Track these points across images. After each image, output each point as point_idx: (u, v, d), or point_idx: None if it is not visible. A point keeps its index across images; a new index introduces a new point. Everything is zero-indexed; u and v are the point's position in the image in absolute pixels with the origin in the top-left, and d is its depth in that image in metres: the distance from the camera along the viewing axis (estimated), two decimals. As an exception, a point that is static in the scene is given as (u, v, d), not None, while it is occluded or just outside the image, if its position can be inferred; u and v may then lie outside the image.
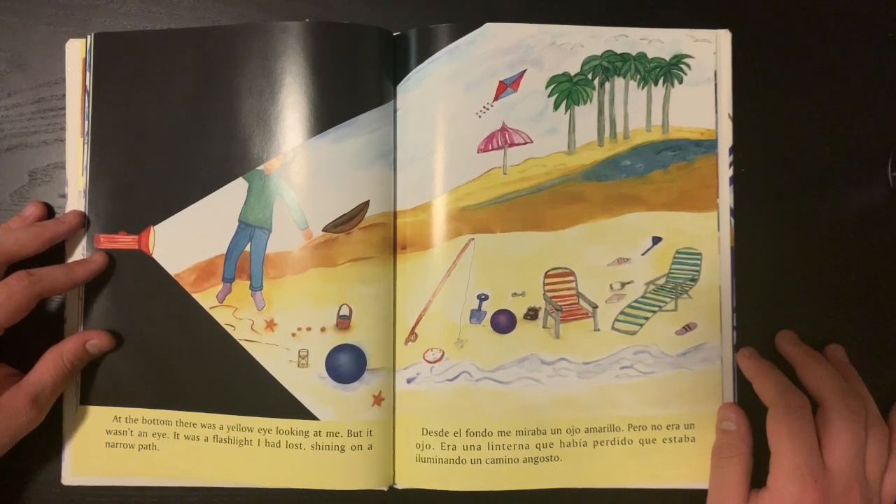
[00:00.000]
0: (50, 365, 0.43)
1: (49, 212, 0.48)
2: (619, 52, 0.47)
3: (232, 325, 0.46)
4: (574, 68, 0.46)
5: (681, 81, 0.47)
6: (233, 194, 0.46)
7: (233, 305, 0.46)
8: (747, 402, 0.45)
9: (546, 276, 0.46)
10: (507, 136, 0.46)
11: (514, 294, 0.46)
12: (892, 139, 0.47)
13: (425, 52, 0.46)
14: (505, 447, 0.45)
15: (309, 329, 0.45)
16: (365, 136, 0.45)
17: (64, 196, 0.47)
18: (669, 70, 0.47)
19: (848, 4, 0.48)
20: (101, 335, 0.45)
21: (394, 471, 0.46)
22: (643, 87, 0.47)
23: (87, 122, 0.47)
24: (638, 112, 0.47)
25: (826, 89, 0.48)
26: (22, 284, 0.42)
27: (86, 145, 0.47)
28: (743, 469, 0.43)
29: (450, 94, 0.46)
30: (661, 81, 0.47)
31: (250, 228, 0.46)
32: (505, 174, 0.46)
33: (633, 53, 0.47)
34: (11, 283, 0.42)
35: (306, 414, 0.45)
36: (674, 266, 0.46)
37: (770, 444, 0.41)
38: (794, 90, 0.48)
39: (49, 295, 0.44)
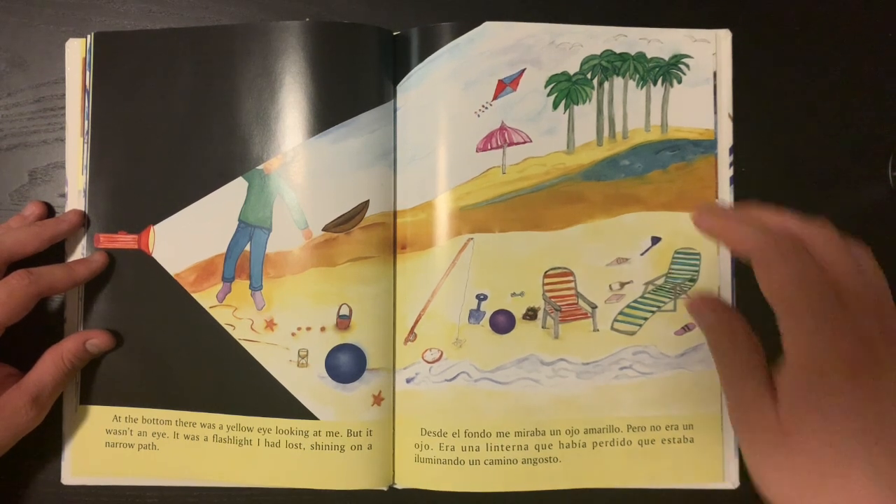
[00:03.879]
0: (50, 365, 0.44)
1: (49, 211, 0.48)
2: (618, 51, 0.47)
3: (232, 325, 0.46)
4: (573, 68, 0.46)
5: (679, 81, 0.47)
6: (233, 194, 0.46)
7: (232, 305, 0.46)
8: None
9: (545, 275, 0.46)
10: (506, 135, 0.46)
11: (514, 294, 0.46)
12: (892, 139, 0.47)
13: (425, 52, 0.46)
14: (504, 448, 0.45)
15: (309, 329, 0.45)
16: (365, 135, 0.45)
17: (64, 196, 0.47)
18: (668, 70, 0.47)
19: (848, 4, 0.48)
20: (101, 335, 0.45)
21: (393, 471, 0.46)
22: (642, 87, 0.47)
23: (86, 122, 0.47)
24: (637, 112, 0.47)
25: (826, 89, 0.48)
26: (22, 283, 0.42)
27: (85, 145, 0.47)
28: (748, 351, 0.32)
29: (449, 94, 0.46)
30: (659, 81, 0.47)
31: (250, 228, 0.46)
32: (504, 173, 0.46)
33: (632, 53, 0.47)
34: (12, 282, 0.42)
35: (306, 414, 0.45)
36: (673, 266, 0.46)
37: (771, 302, 0.31)
38: (794, 90, 0.48)
39: (49, 294, 0.44)
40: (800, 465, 0.29)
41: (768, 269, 0.31)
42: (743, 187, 0.46)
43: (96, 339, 0.45)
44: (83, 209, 0.47)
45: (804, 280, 0.30)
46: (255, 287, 0.46)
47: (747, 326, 0.32)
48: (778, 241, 0.32)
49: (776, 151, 0.47)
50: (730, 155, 0.46)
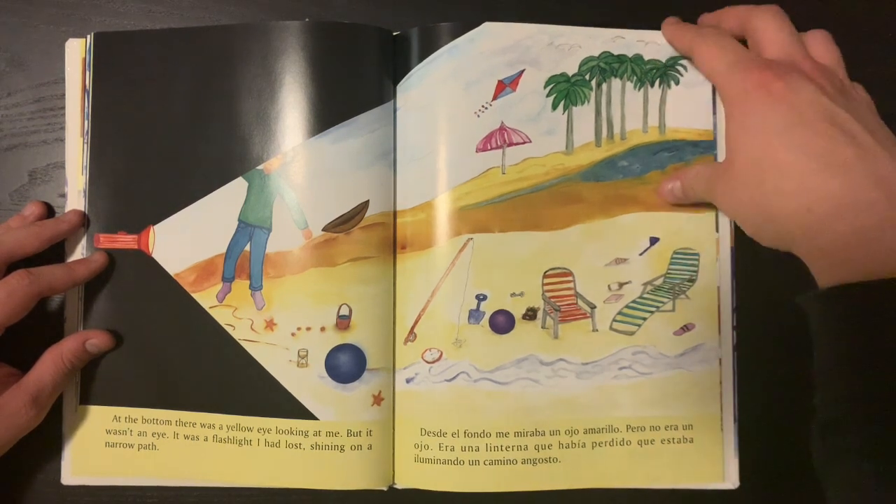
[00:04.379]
0: (49, 365, 0.43)
1: (49, 211, 0.48)
2: (615, 53, 0.47)
3: (231, 325, 0.46)
4: (572, 69, 0.47)
5: (677, 83, 0.47)
6: (232, 194, 0.46)
7: (232, 305, 0.46)
8: (749, 402, 0.46)
9: (545, 276, 0.46)
10: (505, 135, 0.46)
11: (513, 294, 0.46)
12: (889, 140, 0.47)
13: (425, 52, 0.46)
14: (503, 448, 0.45)
15: (309, 329, 0.45)
16: (365, 135, 0.45)
17: (64, 196, 0.47)
18: (665, 71, 0.47)
19: (848, 4, 0.48)
20: (100, 335, 0.45)
21: (393, 471, 0.46)
22: (639, 89, 0.47)
23: (86, 122, 0.47)
24: (634, 113, 0.47)
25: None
26: (23, 283, 0.42)
27: (85, 145, 0.47)
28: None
29: (449, 94, 0.46)
30: (657, 83, 0.47)
31: (250, 228, 0.46)
32: (504, 174, 0.46)
33: (630, 55, 0.47)
34: (12, 282, 0.42)
35: (306, 414, 0.45)
36: (671, 266, 0.47)
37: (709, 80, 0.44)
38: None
39: (49, 294, 0.44)
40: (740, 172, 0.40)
41: (698, 54, 0.43)
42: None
43: (96, 339, 0.45)
44: (83, 209, 0.47)
45: (722, 48, 0.41)
46: (255, 287, 0.46)
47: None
48: (703, 31, 0.43)
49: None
50: (728, 155, 0.46)
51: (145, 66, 0.47)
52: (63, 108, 0.47)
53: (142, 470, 0.46)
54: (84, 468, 0.46)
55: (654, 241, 0.46)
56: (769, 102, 0.38)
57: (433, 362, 0.46)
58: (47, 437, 0.46)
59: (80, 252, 0.46)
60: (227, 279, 0.46)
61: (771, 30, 0.41)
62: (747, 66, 0.40)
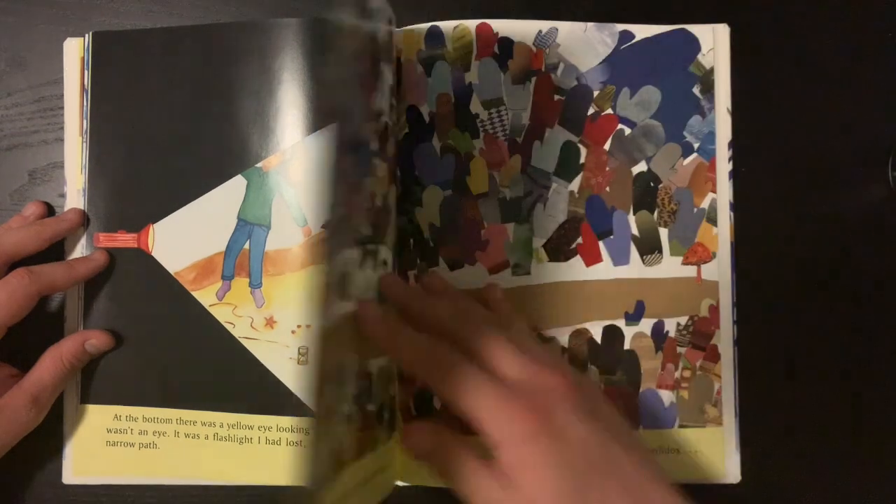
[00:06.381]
0: (49, 365, 0.43)
1: (49, 211, 0.48)
2: (617, 48, 0.47)
3: (232, 323, 0.46)
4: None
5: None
6: (231, 192, 0.46)
7: (232, 303, 0.46)
8: (749, 399, 0.45)
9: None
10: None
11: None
12: (892, 139, 0.47)
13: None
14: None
15: (309, 326, 0.45)
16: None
17: (63, 195, 0.47)
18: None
19: (848, 4, 0.48)
20: (99, 335, 0.45)
21: (396, 469, 0.46)
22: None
23: (85, 121, 0.47)
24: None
25: (826, 89, 0.48)
26: (23, 283, 0.42)
27: (84, 144, 0.47)
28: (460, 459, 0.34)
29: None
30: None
31: (249, 226, 0.46)
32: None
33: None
34: (12, 282, 0.42)
35: (307, 411, 0.45)
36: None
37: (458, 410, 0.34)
38: (793, 88, 0.47)
39: (50, 292, 0.44)
40: None
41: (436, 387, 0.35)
42: (742, 187, 0.46)
43: (95, 340, 0.45)
44: (83, 208, 0.47)
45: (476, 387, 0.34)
46: (255, 285, 0.46)
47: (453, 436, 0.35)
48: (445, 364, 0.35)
49: (776, 150, 0.47)
50: (729, 150, 0.46)
51: (143, 65, 0.47)
52: (63, 107, 0.47)
53: (142, 469, 0.46)
54: (85, 467, 0.46)
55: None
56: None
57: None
58: (48, 437, 0.46)
59: (79, 251, 0.47)
60: (227, 277, 0.46)
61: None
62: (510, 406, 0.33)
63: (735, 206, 0.46)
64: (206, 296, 0.46)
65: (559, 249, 0.45)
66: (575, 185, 0.45)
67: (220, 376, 0.46)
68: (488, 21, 0.45)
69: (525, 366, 0.34)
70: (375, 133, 0.39)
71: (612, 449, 0.33)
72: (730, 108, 0.46)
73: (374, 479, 0.40)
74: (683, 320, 0.45)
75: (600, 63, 0.46)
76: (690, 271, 0.45)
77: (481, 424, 0.33)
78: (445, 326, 0.37)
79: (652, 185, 0.46)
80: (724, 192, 0.46)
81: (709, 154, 0.46)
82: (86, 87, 0.47)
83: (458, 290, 0.43)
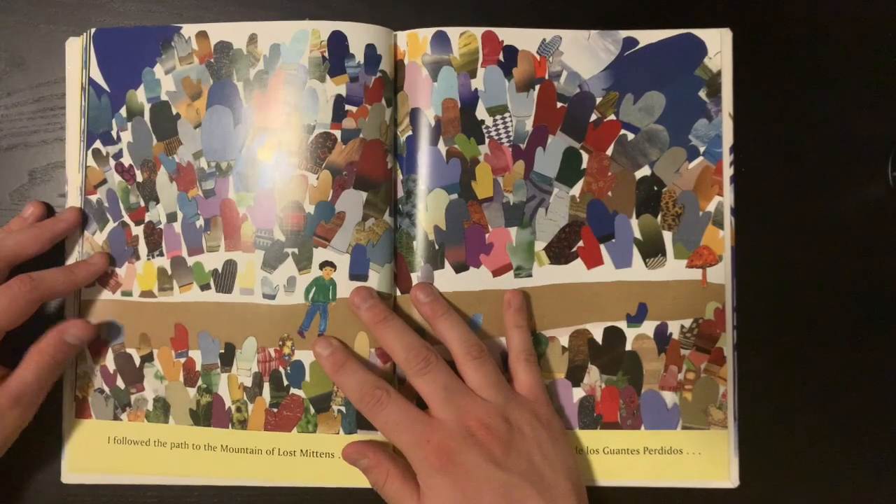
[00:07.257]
0: (30, 362, 0.43)
1: (49, 211, 0.47)
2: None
3: (232, 324, 0.46)
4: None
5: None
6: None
7: (233, 305, 0.46)
8: (749, 401, 0.46)
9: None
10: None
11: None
12: (892, 139, 0.47)
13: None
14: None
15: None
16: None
17: (64, 195, 0.47)
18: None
19: (848, 4, 0.48)
20: (78, 324, 0.44)
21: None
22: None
23: (83, 121, 0.47)
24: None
25: (826, 89, 0.48)
26: (24, 289, 0.42)
27: (83, 144, 0.47)
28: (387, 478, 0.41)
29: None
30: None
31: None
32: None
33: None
34: (14, 288, 0.41)
35: (307, 413, 0.45)
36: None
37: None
38: (794, 90, 0.48)
39: (50, 298, 0.44)
40: None
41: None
42: (743, 187, 0.46)
43: (74, 329, 0.44)
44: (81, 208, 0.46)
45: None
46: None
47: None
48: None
49: (776, 151, 0.47)
50: (730, 154, 0.46)
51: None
52: (63, 107, 0.47)
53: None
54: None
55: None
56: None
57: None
58: (47, 436, 0.46)
59: (78, 251, 0.46)
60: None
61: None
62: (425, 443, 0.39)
63: (736, 210, 0.46)
64: (206, 297, 0.46)
65: (560, 253, 0.45)
66: (576, 189, 0.45)
67: (221, 378, 0.46)
68: (493, 29, 0.45)
69: (451, 411, 0.40)
70: None
71: (517, 490, 0.38)
72: (731, 112, 0.46)
73: None
74: (688, 323, 0.45)
75: (603, 70, 0.46)
76: (695, 274, 0.45)
77: (404, 453, 0.40)
78: (397, 359, 0.43)
79: (656, 188, 0.46)
80: (725, 196, 0.46)
81: (715, 157, 0.46)
82: (85, 86, 0.47)
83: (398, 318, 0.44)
